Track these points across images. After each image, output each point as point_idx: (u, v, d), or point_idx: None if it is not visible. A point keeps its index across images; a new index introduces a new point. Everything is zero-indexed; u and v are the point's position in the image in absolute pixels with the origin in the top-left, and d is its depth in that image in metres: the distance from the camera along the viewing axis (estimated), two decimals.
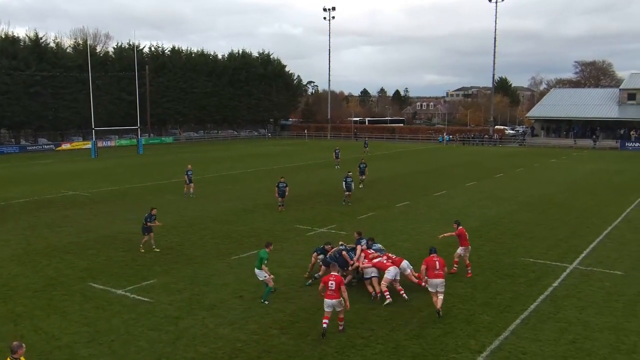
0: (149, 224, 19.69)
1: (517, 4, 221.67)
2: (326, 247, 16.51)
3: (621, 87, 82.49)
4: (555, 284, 16.20)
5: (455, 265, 17.18)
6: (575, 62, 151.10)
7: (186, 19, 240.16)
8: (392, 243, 20.83)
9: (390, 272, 15.14)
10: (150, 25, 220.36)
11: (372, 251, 16.30)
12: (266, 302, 14.62)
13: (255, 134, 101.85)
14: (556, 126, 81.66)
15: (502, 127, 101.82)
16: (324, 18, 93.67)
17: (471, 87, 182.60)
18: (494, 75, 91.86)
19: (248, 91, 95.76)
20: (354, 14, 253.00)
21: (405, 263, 15.79)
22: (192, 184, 31.58)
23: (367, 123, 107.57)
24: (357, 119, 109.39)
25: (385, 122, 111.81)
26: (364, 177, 35.20)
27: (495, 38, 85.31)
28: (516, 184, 37.11)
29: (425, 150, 70.23)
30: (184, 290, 15.68)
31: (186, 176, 31.60)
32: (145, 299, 14.91)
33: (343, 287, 12.84)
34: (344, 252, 16.09)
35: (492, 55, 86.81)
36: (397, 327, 13.12)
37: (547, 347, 12.07)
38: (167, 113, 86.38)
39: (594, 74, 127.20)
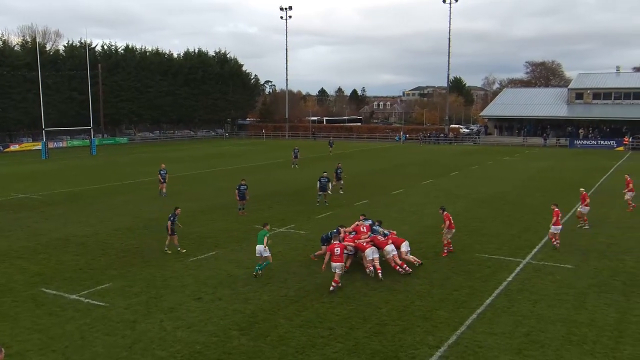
0: (172, 221, 19.41)
1: (469, 5, 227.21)
2: (340, 228, 17.81)
3: (569, 87, 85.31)
4: (509, 279, 16.63)
5: (446, 248, 19.09)
6: (526, 62, 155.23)
7: (138, 17, 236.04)
8: None
9: (367, 253, 16.59)
10: (101, 24, 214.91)
11: (364, 230, 17.75)
12: (260, 272, 16.63)
13: (213, 133, 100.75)
14: (509, 125, 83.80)
15: (457, 125, 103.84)
16: (281, 17, 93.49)
17: (427, 87, 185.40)
18: (448, 75, 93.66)
19: (205, 90, 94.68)
20: (310, 14, 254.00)
21: (389, 247, 17.13)
22: (165, 183, 31.49)
23: (325, 122, 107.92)
24: (315, 118, 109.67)
25: (343, 121, 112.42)
26: (342, 182, 32.94)
27: (449, 39, 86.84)
28: (471, 182, 37.90)
29: (382, 149, 70.95)
30: (141, 293, 15.39)
31: (159, 175, 31.58)
32: (101, 304, 14.56)
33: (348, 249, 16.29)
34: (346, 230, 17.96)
35: (446, 56, 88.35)
36: (357, 325, 13.21)
37: (502, 340, 12.38)
38: (121, 113, 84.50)
39: (544, 74, 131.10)
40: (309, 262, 18.27)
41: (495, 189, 34.45)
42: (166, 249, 19.55)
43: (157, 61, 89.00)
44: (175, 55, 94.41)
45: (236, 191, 26.50)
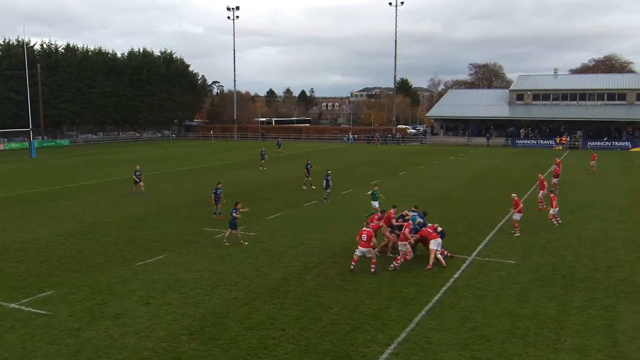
0: (234, 214, 20.29)
1: (414, 8, 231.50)
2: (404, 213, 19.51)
3: (511, 88, 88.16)
4: (456, 275, 17.02)
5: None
6: (470, 64, 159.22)
7: (78, 14, 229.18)
8: (300, 242, 21.01)
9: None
10: (38, 21, 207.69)
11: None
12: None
13: (159, 135, 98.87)
14: (454, 125, 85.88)
15: (404, 126, 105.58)
16: (228, 17, 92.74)
17: (374, 88, 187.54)
18: (395, 76, 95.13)
19: (150, 91, 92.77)
20: (255, 14, 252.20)
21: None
22: (141, 183, 31.92)
23: (273, 123, 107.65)
24: (264, 119, 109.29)
25: (292, 122, 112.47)
26: (310, 178, 35.25)
27: (395, 40, 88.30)
28: (418, 181, 38.60)
29: (331, 149, 71.34)
30: (85, 300, 14.92)
31: (135, 176, 31.92)
32: (42, 312, 14.02)
33: (373, 239, 17.12)
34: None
35: (393, 57, 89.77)
36: (308, 325, 13.23)
37: (450, 335, 12.66)
38: (62, 114, 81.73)
39: (487, 76, 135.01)
40: (260, 264, 18.18)
41: (442, 188, 35.21)
42: (225, 241, 20.57)
43: (99, 61, 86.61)
44: (118, 55, 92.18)
45: (213, 195, 25.66)
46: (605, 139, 72.92)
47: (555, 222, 24.01)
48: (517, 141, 76.21)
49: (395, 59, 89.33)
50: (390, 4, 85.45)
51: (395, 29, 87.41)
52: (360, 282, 16.36)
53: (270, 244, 20.64)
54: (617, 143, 71.47)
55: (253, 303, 14.68)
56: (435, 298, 15.07)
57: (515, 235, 21.88)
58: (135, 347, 12.07)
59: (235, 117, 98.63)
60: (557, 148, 70.57)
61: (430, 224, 19.03)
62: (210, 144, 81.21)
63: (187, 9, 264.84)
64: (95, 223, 24.66)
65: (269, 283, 16.29)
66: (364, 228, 17.43)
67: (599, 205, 28.99)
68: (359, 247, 17.09)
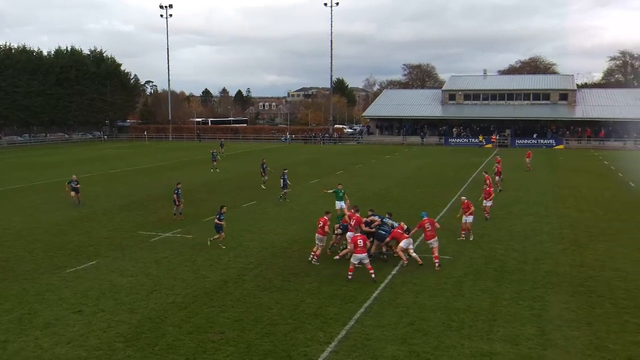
0: (217, 221, 20.15)
1: (348, 8, 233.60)
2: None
3: (443, 88, 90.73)
4: (393, 272, 17.34)
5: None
6: (404, 65, 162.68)
7: None
8: (239, 243, 20.84)
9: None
10: None
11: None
12: None
13: (90, 136, 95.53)
14: (389, 124, 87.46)
15: (341, 126, 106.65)
16: (161, 16, 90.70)
17: (311, 88, 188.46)
18: (331, 76, 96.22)
19: (79, 91, 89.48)
20: (189, 13, 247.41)
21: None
22: (78, 194, 29.07)
23: (210, 124, 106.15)
24: (200, 119, 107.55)
25: (229, 122, 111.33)
26: (266, 177, 35.31)
27: (331, 41, 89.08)
28: (356, 180, 39.06)
29: (269, 149, 71.07)
30: (12, 310, 14.21)
31: (69, 185, 29.13)
32: None
33: (367, 242, 16.95)
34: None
35: (328, 57, 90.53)
36: (248, 327, 13.13)
37: (388, 331, 12.89)
38: None
39: (420, 76, 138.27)
40: (197, 267, 17.89)
41: (379, 186, 35.79)
42: (220, 245, 20.15)
43: (24, 59, 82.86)
44: (45, 53, 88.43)
45: (175, 196, 24.97)
46: (535, 136, 76.26)
47: (487, 215, 24.94)
48: (449, 140, 78.49)
49: (332, 59, 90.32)
50: (325, 4, 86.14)
51: (331, 29, 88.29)
52: (300, 281, 16.39)
53: (208, 246, 20.33)
54: (542, 141, 74.92)
55: (191, 307, 14.43)
56: (374, 295, 15.30)
57: (460, 239, 21.37)
58: (67, 357, 11.61)
59: (170, 118, 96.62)
60: (485, 146, 73.10)
61: (397, 224, 18.96)
62: (144, 145, 79.13)
63: (116, 6, 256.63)
64: (23, 229, 23.52)
65: (208, 286, 16.06)
66: (355, 233, 17.05)
67: (527, 201, 30.29)
68: (354, 254, 16.42)
